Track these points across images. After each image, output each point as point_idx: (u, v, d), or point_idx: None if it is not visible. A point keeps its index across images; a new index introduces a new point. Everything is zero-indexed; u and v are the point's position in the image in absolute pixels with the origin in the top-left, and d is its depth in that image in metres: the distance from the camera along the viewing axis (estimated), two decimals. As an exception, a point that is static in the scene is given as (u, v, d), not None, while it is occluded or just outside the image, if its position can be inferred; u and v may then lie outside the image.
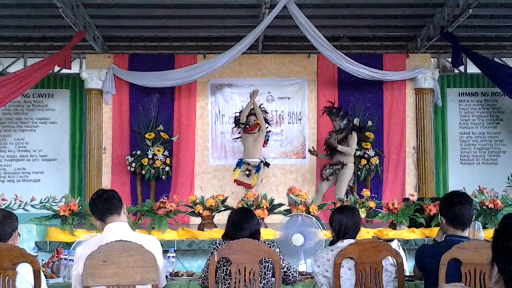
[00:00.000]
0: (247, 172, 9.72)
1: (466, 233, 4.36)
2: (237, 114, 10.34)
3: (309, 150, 10.21)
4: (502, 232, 1.89)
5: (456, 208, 4.29)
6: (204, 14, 10.62)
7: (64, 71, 11.44)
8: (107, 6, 10.31)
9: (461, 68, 11.98)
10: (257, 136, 9.88)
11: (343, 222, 4.70)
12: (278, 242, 6.42)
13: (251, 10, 10.18)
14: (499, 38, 11.78)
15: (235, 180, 9.89)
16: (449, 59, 11.61)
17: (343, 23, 11.15)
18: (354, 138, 9.90)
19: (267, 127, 10.14)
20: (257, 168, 9.77)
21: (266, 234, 7.38)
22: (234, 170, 9.98)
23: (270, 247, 4.67)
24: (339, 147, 9.77)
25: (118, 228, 4.35)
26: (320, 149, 10.40)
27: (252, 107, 10.02)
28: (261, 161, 9.83)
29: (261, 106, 10.36)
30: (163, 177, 10.76)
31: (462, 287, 2.15)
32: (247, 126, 9.89)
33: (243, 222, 4.83)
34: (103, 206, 4.39)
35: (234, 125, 10.47)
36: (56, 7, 9.14)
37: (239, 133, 10.25)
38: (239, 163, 9.89)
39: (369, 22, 11.22)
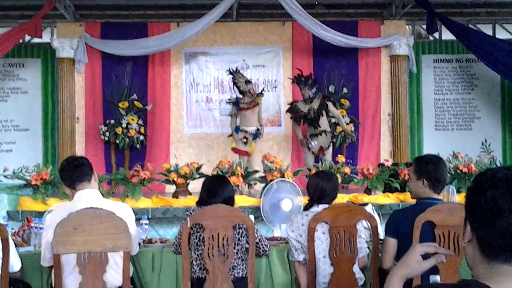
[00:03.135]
0: (244, 140, 9.61)
1: (440, 196, 4.37)
2: (232, 98, 10.05)
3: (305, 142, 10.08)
4: (474, 189, 1.86)
5: (438, 170, 4.30)
6: (177, -19, 10.48)
7: (35, 40, 11.20)
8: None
9: (436, 34, 11.96)
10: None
11: (319, 186, 4.67)
12: (267, 208, 6.42)
13: (225, -24, 10.04)
14: (474, 5, 11.74)
15: (232, 149, 9.73)
16: (424, 26, 11.57)
17: (317, -10, 11.08)
18: (331, 105, 9.85)
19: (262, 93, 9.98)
20: (254, 136, 9.66)
21: (240, 201, 7.39)
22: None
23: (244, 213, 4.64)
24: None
25: (89, 195, 4.30)
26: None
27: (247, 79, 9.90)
28: (258, 129, 9.72)
29: (242, 73, 10.10)
30: (138, 146, 10.65)
31: (435, 247, 2.13)
32: (246, 105, 9.65)
33: (217, 188, 4.80)
34: (73, 173, 4.33)
35: (233, 105, 9.84)
36: (25, -26, 8.95)
37: (235, 114, 9.79)
38: (236, 130, 9.74)
39: (344, -11, 11.16)
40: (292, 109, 9.95)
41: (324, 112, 9.76)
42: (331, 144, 9.97)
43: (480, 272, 1.81)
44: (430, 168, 4.33)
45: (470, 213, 1.85)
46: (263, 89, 10.13)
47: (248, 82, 9.76)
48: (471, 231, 1.84)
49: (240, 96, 9.77)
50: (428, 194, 4.31)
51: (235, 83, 9.83)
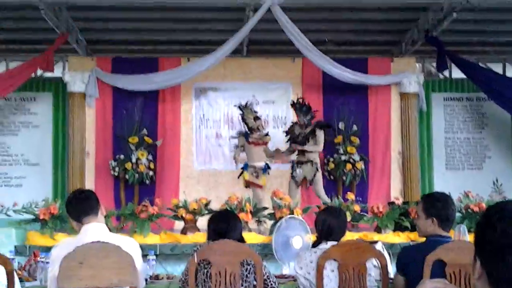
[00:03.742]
0: (255, 174, 9.58)
1: (451, 234, 4.33)
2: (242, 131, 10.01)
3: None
4: (484, 223, 1.81)
5: (447, 208, 4.27)
6: (188, 18, 10.52)
7: (47, 74, 11.29)
8: (90, 9, 10.19)
9: (446, 72, 11.97)
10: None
11: (327, 222, 4.62)
12: (277, 245, 6.36)
13: (236, 13, 10.09)
14: (484, 43, 11.76)
15: (246, 181, 9.65)
16: (434, 64, 11.58)
17: (327, 27, 11.09)
18: (321, 135, 9.76)
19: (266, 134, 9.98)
20: (263, 170, 9.63)
21: (250, 238, 7.31)
22: (242, 174, 9.73)
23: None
24: (307, 147, 9.66)
25: (95, 229, 4.26)
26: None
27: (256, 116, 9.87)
28: (266, 164, 9.67)
29: (253, 109, 10.10)
30: (147, 181, 10.62)
31: (444, 283, 2.07)
32: (255, 140, 9.68)
33: (228, 231, 4.61)
34: (79, 206, 4.29)
35: (243, 136, 9.81)
36: (38, 9, 9.03)
37: (242, 146, 9.78)
38: (245, 167, 9.72)
39: (353, 27, 11.17)
40: (289, 129, 9.96)
41: (311, 139, 9.68)
42: (317, 176, 9.76)
43: None
44: (439, 207, 4.29)
45: (479, 247, 1.81)
46: (267, 133, 10.06)
47: (257, 118, 9.76)
48: (480, 267, 1.79)
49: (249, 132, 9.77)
50: (437, 232, 4.26)
51: (243, 119, 9.82)
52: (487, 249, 1.76)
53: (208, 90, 11.29)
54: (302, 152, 9.75)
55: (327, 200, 8.97)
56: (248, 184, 9.58)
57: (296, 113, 10.00)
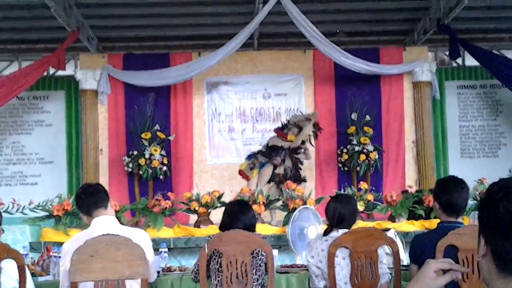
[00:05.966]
0: (252, 166, 9.52)
1: (459, 220, 4.27)
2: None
3: None
4: (487, 201, 1.79)
5: (452, 195, 4.20)
6: (198, 12, 10.55)
7: (59, 72, 11.33)
8: (100, 6, 10.25)
9: (459, 60, 11.88)
10: None
11: (338, 210, 4.60)
12: (292, 236, 6.36)
13: (246, 6, 10.10)
14: (497, 30, 11.67)
15: (239, 171, 9.67)
16: (447, 52, 11.49)
17: (338, 18, 11.08)
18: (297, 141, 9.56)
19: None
20: (261, 165, 9.50)
21: (263, 229, 7.31)
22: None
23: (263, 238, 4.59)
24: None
25: (105, 222, 4.28)
26: None
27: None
28: (267, 161, 9.53)
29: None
30: (161, 177, 10.62)
31: (450, 263, 2.05)
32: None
33: (239, 214, 4.77)
34: (88, 200, 4.32)
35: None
36: (48, 7, 9.05)
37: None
38: (250, 156, 9.67)
39: (365, 17, 11.14)
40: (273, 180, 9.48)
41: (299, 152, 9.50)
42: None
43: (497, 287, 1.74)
44: (437, 191, 4.27)
45: (483, 226, 1.78)
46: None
47: (304, 142, 9.53)
48: (485, 245, 1.77)
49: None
50: (445, 218, 4.22)
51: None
52: (491, 227, 1.74)
53: (219, 84, 11.27)
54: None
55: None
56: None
57: (272, 160, 9.38)
